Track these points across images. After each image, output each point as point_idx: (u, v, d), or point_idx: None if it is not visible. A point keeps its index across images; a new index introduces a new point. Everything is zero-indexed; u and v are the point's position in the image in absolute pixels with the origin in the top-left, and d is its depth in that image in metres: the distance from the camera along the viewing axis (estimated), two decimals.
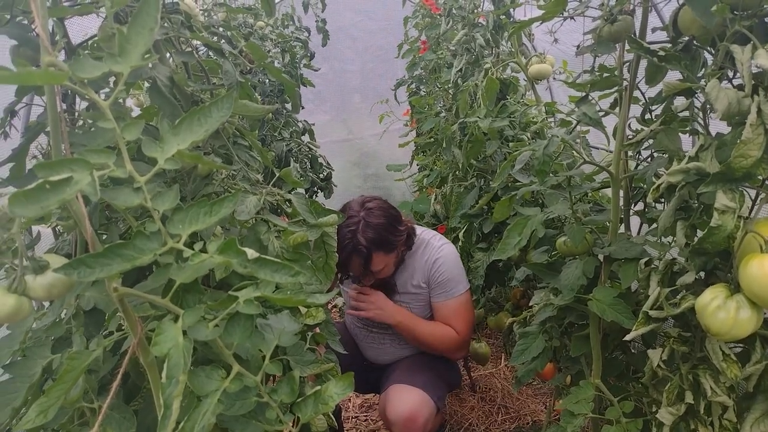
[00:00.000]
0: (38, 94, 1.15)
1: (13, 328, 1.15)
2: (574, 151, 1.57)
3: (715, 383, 1.06)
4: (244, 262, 0.75)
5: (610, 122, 1.44)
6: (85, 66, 0.75)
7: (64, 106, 1.09)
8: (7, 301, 0.75)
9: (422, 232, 2.18)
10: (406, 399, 1.98)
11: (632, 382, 1.60)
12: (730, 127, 1.03)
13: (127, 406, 1.09)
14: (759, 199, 1.10)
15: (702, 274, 1.13)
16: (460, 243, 2.41)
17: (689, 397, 1.08)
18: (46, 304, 1.21)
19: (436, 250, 2.11)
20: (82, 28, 1.89)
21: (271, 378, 1.15)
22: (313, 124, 3.73)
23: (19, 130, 1.49)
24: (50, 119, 0.80)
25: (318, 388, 0.92)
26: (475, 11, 2.49)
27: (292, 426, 0.90)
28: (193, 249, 0.77)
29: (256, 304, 0.84)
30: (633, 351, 1.65)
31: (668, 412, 1.11)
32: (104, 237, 1.19)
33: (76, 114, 1.16)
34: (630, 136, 1.38)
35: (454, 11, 2.63)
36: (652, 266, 1.27)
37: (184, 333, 0.75)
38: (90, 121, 1.08)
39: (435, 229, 3.01)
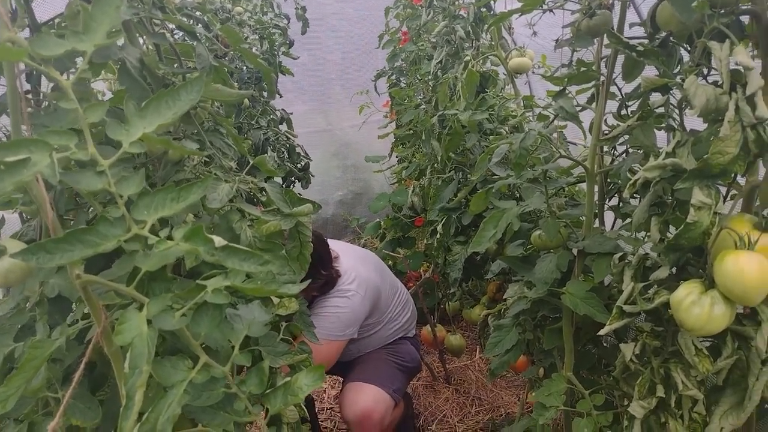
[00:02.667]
0: None
1: None
2: (551, 145, 1.57)
3: (686, 377, 1.07)
4: (211, 249, 0.73)
5: (586, 117, 1.45)
6: (47, 43, 0.72)
7: (28, 87, 1.05)
8: None
9: (345, 282, 2.05)
10: (359, 397, 2.02)
11: (603, 375, 1.62)
12: (705, 124, 1.04)
13: (92, 396, 1.06)
14: (730, 195, 1.11)
15: (674, 269, 1.14)
16: (438, 236, 2.41)
17: (660, 391, 1.09)
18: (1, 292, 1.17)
19: (340, 293, 2.02)
20: (54, 7, 1.83)
21: (243, 369, 1.13)
22: (291, 114, 3.69)
23: None
24: (9, 99, 0.77)
25: (287, 379, 0.91)
26: (456, 2, 2.47)
27: (262, 417, 0.88)
28: (158, 236, 0.75)
29: (225, 293, 0.81)
30: (605, 344, 1.67)
31: (639, 406, 1.12)
32: (71, 223, 1.15)
33: (41, 95, 1.12)
34: (606, 132, 1.39)
35: (435, 2, 2.61)
36: (626, 261, 1.27)
37: (149, 322, 0.73)
38: (54, 103, 1.04)
39: (412, 222, 3.01)
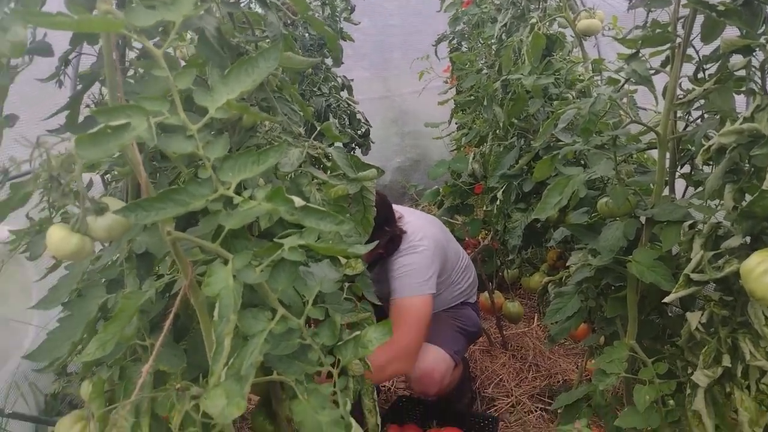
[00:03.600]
0: (89, 43, 1.17)
1: (72, 268, 1.22)
2: (620, 111, 1.53)
3: (754, 348, 1.05)
4: (291, 209, 0.78)
5: (659, 82, 1.40)
6: (139, 14, 0.77)
7: (116, 55, 1.11)
8: (72, 239, 0.80)
9: (414, 239, 2.06)
10: (421, 356, 2.06)
11: (667, 345, 1.60)
12: None
13: (177, 345, 1.15)
14: None
15: (748, 238, 1.11)
16: (498, 203, 2.40)
17: (726, 361, 1.08)
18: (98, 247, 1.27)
19: (412, 246, 2.03)
20: None
21: (312, 323, 1.20)
22: (352, 80, 3.71)
23: (71, 78, 1.54)
24: (107, 67, 0.82)
25: (357, 332, 0.96)
26: None
27: (333, 367, 0.94)
28: (242, 196, 0.80)
29: (300, 251, 0.86)
30: (669, 314, 1.64)
31: (704, 374, 1.11)
32: (153, 186, 1.23)
33: (127, 63, 1.19)
34: (680, 96, 1.34)
35: None
36: (696, 229, 1.25)
37: (234, 276, 0.79)
38: (140, 71, 1.11)
39: (471, 190, 3.00)
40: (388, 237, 1.98)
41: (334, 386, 0.96)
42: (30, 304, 1.47)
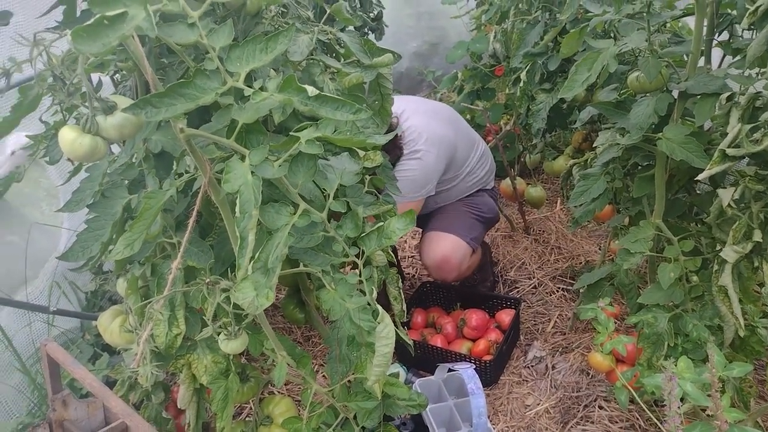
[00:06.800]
0: None
1: (91, 170, 1.22)
2: None
3: None
4: (305, 99, 0.74)
5: None
6: None
7: None
8: (84, 140, 0.78)
9: (416, 143, 2.03)
10: (438, 245, 2.10)
11: (693, 222, 1.58)
12: None
13: (203, 241, 1.17)
14: None
15: None
16: (521, 84, 2.30)
17: (758, 236, 1.07)
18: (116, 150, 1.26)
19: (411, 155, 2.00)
20: None
21: (334, 217, 1.20)
22: None
23: None
24: None
25: (381, 223, 0.95)
26: None
27: (357, 258, 0.95)
28: (252, 88, 0.77)
29: (318, 144, 0.84)
30: (698, 192, 1.61)
31: (733, 250, 1.10)
32: (162, 82, 1.19)
33: None
34: None
35: None
36: (734, 101, 1.18)
37: (252, 171, 0.78)
38: None
39: (492, 72, 2.87)
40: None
41: (360, 276, 0.98)
42: (58, 207, 1.50)
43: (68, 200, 1.24)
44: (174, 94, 0.73)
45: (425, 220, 2.26)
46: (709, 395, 0.86)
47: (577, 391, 1.87)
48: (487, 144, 2.44)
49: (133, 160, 1.20)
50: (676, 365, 0.94)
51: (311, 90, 0.74)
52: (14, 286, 1.89)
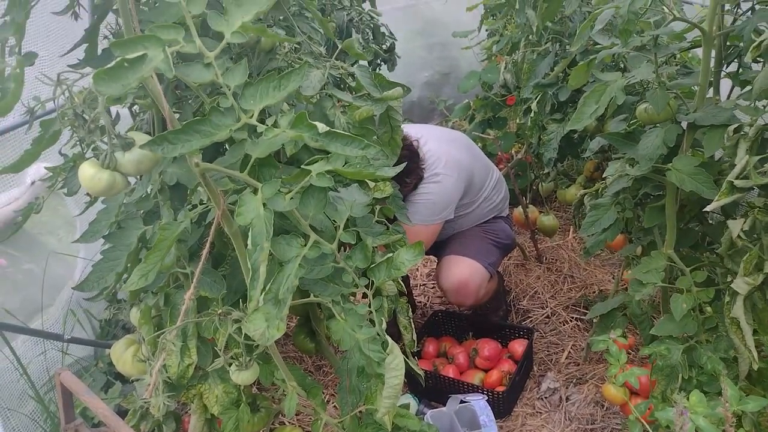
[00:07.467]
0: None
1: (108, 202, 1.25)
2: (663, 7, 1.42)
3: None
4: (315, 135, 0.76)
5: None
6: None
7: None
8: (102, 176, 0.81)
9: (435, 167, 2.04)
10: (457, 269, 2.10)
11: (706, 253, 1.57)
12: None
13: (215, 271, 1.19)
14: None
15: None
16: (532, 114, 2.32)
17: None
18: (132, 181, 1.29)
19: (431, 179, 2.02)
20: None
21: (345, 247, 1.21)
22: None
23: (87, 10, 1.50)
24: None
25: (390, 254, 0.96)
26: None
27: (367, 289, 0.96)
28: (266, 124, 0.79)
29: (328, 177, 0.86)
30: (710, 222, 1.60)
31: (744, 282, 1.10)
32: (178, 116, 1.22)
33: None
34: None
35: None
36: (742, 133, 1.18)
37: (264, 204, 0.79)
38: None
39: (503, 102, 2.90)
40: (411, 186, 1.98)
41: (370, 306, 0.98)
42: (75, 237, 1.53)
43: (84, 231, 1.26)
44: (190, 131, 0.76)
45: (442, 245, 2.27)
46: (723, 431, 0.85)
47: (591, 424, 1.84)
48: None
49: (149, 191, 1.22)
50: (688, 399, 0.93)
51: (321, 127, 0.76)
52: (30, 313, 1.92)
